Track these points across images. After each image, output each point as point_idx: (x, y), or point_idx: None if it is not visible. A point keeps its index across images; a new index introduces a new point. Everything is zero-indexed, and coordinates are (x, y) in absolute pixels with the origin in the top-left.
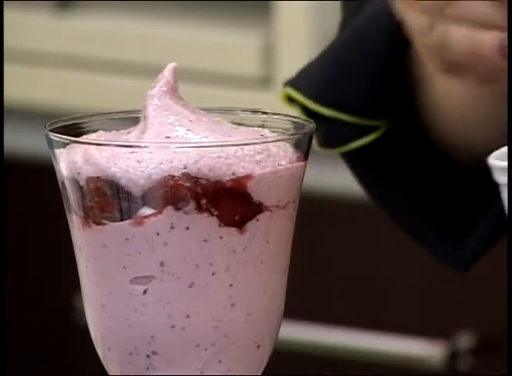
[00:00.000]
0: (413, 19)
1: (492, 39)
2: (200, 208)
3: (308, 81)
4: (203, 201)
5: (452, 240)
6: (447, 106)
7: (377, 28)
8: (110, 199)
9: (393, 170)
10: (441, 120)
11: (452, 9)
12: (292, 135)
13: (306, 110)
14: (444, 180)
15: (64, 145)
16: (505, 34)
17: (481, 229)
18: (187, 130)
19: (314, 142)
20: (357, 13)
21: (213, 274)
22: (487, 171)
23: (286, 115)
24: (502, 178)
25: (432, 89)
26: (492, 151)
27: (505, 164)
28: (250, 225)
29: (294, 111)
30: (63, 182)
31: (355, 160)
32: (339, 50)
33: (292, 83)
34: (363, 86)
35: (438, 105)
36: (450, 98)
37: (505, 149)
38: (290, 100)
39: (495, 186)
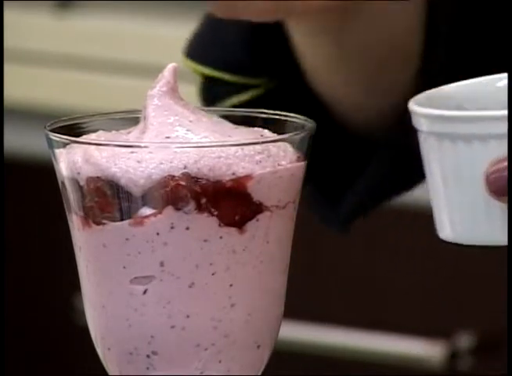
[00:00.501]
0: None
1: None
2: (200, 208)
3: (192, 45)
4: (203, 201)
5: (331, 199)
6: (307, 64)
7: None
8: (110, 199)
9: None
10: (307, 72)
11: None
12: (292, 135)
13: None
14: (326, 139)
15: (64, 145)
16: None
17: (355, 191)
18: (187, 130)
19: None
20: None
21: (213, 274)
22: (367, 132)
23: (286, 115)
24: (421, 124)
25: (294, 44)
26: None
27: (424, 110)
28: (250, 225)
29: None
30: (63, 182)
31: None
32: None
33: (184, 50)
34: (238, 45)
35: (302, 61)
36: (305, 54)
37: (425, 93)
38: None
39: (413, 133)
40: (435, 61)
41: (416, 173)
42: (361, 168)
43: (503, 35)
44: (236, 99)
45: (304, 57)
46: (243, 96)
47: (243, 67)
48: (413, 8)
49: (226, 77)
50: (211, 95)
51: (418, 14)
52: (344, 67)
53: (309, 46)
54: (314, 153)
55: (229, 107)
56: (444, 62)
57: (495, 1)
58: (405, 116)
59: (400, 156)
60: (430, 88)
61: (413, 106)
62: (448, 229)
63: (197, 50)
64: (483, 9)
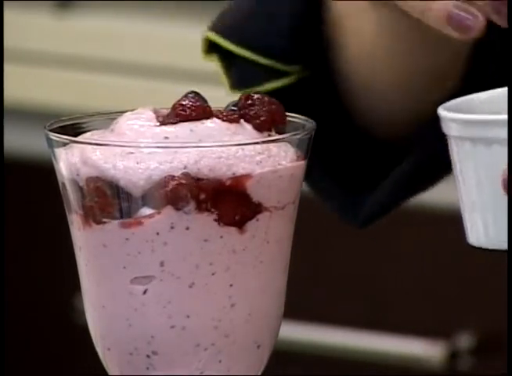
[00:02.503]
0: None
1: (441, 6)
2: (199, 208)
3: (225, 23)
4: (203, 201)
5: (352, 195)
6: (355, 44)
7: None
8: (110, 199)
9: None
10: (349, 60)
11: None
12: (292, 134)
13: (224, 57)
14: (352, 136)
15: (64, 145)
16: (455, 2)
17: (380, 192)
18: (186, 130)
19: (228, 86)
20: None
21: (213, 274)
22: (393, 131)
23: (286, 115)
24: (449, 130)
25: (340, 29)
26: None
27: (456, 115)
28: (250, 225)
29: (214, 63)
30: (63, 183)
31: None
32: None
33: (211, 27)
34: (279, 28)
35: (346, 45)
36: (359, 34)
37: (455, 100)
38: (210, 50)
39: (442, 138)
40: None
41: (438, 176)
42: (385, 169)
43: None
44: (268, 86)
45: (353, 42)
46: (277, 83)
47: (281, 53)
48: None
49: (262, 60)
50: (241, 77)
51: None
52: (396, 57)
53: (370, 22)
54: (335, 148)
55: (262, 92)
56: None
57: None
58: (435, 122)
59: (427, 160)
60: None
61: (443, 111)
62: (478, 233)
63: (231, 28)
64: None
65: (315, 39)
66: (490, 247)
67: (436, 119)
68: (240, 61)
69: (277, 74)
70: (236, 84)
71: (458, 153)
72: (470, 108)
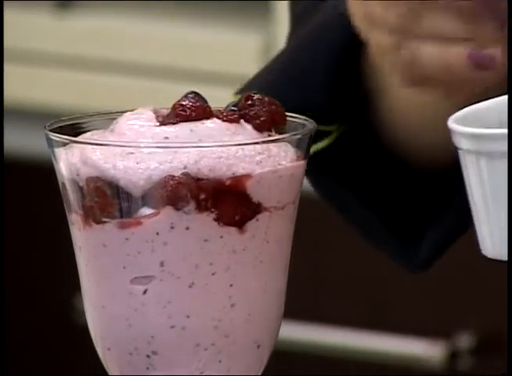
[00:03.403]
0: (378, 38)
1: (461, 51)
2: (199, 208)
3: (259, 88)
4: (203, 201)
5: (406, 241)
6: (401, 118)
7: (329, 33)
8: (110, 199)
9: (347, 172)
10: (394, 128)
11: (419, 27)
12: (292, 134)
13: None
14: (398, 182)
15: (64, 145)
16: (473, 45)
17: (437, 229)
18: (186, 130)
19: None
20: (305, 20)
21: (213, 274)
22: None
23: (286, 115)
24: (460, 142)
25: (387, 100)
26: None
27: (464, 128)
28: (250, 225)
29: None
30: (63, 182)
31: (310, 166)
32: (289, 57)
33: (243, 90)
34: (315, 92)
35: (392, 115)
36: (406, 110)
37: (464, 111)
38: None
39: (455, 153)
40: None
41: None
42: (438, 206)
43: None
44: (315, 148)
45: (402, 118)
46: (322, 144)
47: (321, 114)
48: None
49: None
50: None
51: None
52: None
53: (431, 109)
54: (386, 196)
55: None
56: None
57: None
58: None
59: None
60: None
61: (452, 123)
62: (488, 245)
63: (267, 91)
64: None
65: (353, 96)
66: (498, 257)
67: None
68: None
69: (319, 135)
70: None
71: (466, 166)
72: (479, 118)
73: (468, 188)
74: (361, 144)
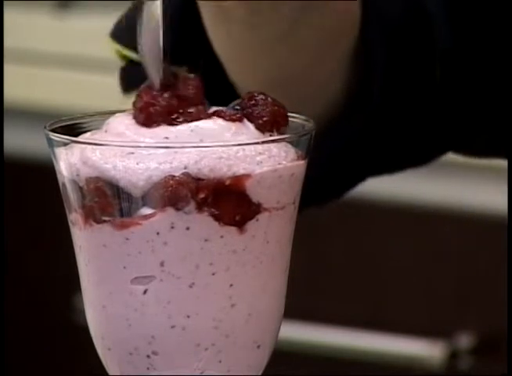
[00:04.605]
0: None
1: None
2: (200, 208)
3: (120, 27)
4: (203, 201)
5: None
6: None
7: None
8: (110, 199)
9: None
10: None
11: None
12: (292, 134)
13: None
14: None
15: (64, 145)
16: None
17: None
18: (186, 130)
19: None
20: None
21: (213, 274)
22: None
23: (288, 117)
24: None
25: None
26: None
27: None
28: (250, 225)
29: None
30: (63, 182)
31: None
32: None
33: (111, 32)
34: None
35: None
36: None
37: None
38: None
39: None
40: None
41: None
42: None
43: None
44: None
45: (217, 46)
46: None
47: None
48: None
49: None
50: (132, 79)
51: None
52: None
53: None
54: None
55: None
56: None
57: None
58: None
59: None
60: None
61: None
62: None
63: (124, 32)
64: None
65: (196, 38)
66: None
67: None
68: (133, 64)
69: None
70: (127, 88)
71: None
72: None
73: None
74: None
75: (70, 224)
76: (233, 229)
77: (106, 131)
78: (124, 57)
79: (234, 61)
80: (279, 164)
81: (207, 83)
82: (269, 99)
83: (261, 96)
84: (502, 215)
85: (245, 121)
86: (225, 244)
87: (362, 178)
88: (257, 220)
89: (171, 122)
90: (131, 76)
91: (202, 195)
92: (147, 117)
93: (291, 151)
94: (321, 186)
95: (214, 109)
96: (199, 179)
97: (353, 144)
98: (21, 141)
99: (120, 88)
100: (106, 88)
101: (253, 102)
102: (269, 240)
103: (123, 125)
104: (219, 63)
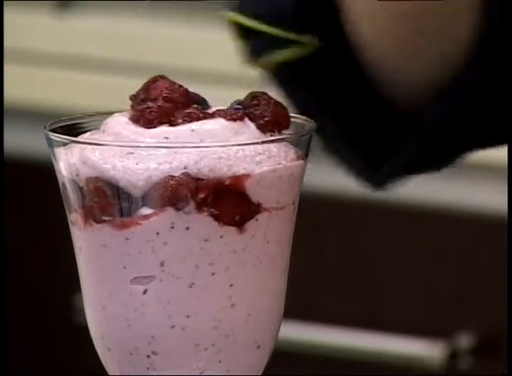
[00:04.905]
0: None
1: None
2: (199, 208)
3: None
4: (203, 201)
5: (369, 161)
6: (365, 27)
7: None
8: (110, 199)
9: (319, 86)
10: (361, 35)
11: None
12: (292, 134)
13: (245, 31)
14: (370, 104)
15: (64, 145)
16: None
17: (395, 159)
18: (187, 130)
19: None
20: None
21: (213, 274)
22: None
23: (290, 118)
24: None
25: (353, 13)
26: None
27: None
28: (250, 225)
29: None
30: (63, 182)
31: (282, 75)
32: None
33: (230, 5)
34: None
35: (355, 21)
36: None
37: None
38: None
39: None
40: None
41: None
42: (400, 136)
43: None
44: (279, 56)
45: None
46: (286, 53)
47: (291, 21)
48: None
49: (268, 30)
50: (253, 49)
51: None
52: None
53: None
54: (354, 115)
55: (275, 64)
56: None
57: None
58: (445, 92)
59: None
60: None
61: None
62: None
63: (242, 2)
64: None
65: (326, 8)
66: None
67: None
68: (254, 35)
69: (288, 43)
70: (250, 58)
71: None
72: None
73: None
74: (337, 60)
75: (70, 224)
76: (233, 229)
77: (103, 131)
78: (239, 24)
79: (372, 20)
80: (279, 164)
81: (326, 54)
82: (272, 99)
83: (264, 96)
84: (501, 215)
85: (246, 120)
86: (225, 244)
87: (466, 148)
88: (256, 220)
89: (172, 122)
90: (252, 46)
91: (202, 195)
92: (146, 120)
93: (291, 151)
94: (428, 151)
95: (214, 109)
96: (198, 179)
97: (467, 107)
98: (21, 141)
99: (244, 54)
100: (106, 88)
101: (255, 101)
102: (269, 239)
103: (120, 125)
104: (342, 32)
